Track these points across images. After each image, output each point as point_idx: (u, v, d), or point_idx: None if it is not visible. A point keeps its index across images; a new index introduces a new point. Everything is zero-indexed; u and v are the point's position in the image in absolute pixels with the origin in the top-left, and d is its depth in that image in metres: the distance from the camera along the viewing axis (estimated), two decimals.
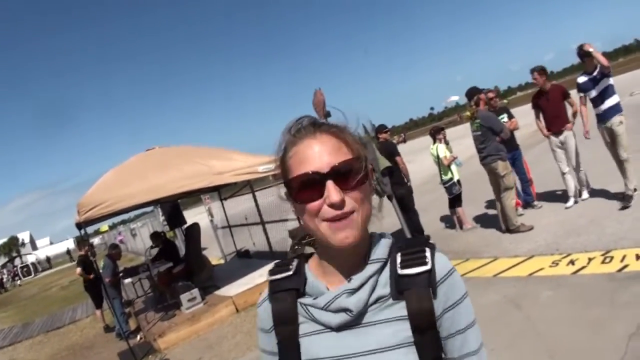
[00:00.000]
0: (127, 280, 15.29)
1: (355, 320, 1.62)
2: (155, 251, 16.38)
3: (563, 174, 11.57)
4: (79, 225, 11.61)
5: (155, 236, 16.56)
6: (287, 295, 1.77)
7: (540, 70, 11.47)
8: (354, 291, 1.61)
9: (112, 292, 13.35)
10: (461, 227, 12.92)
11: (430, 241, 1.73)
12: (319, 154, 1.56)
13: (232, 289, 13.20)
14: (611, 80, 10.37)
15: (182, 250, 17.61)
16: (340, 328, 1.64)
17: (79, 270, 15.34)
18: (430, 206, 16.60)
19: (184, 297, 12.90)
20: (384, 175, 10.78)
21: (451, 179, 12.78)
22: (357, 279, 1.62)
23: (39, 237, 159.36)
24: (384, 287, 1.63)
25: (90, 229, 12.62)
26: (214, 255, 21.65)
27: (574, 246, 9.00)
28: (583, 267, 7.92)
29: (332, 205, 1.51)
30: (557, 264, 8.44)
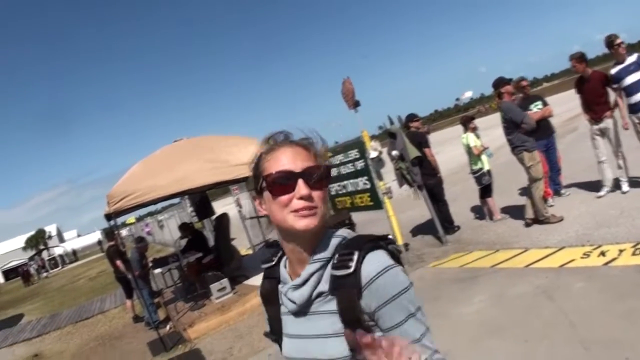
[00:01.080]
0: (157, 271, 15.35)
1: (305, 309, 1.98)
2: (184, 242, 16.43)
3: (600, 162, 11.37)
4: (109, 216, 11.73)
5: (184, 227, 16.60)
6: (269, 282, 2.25)
7: (579, 57, 11.29)
8: (298, 287, 1.97)
9: (140, 284, 13.46)
10: (491, 218, 12.84)
11: (388, 236, 1.94)
12: (293, 159, 1.90)
13: (261, 279, 12.95)
14: None
15: (211, 241, 17.68)
16: (296, 314, 2.03)
17: (119, 262, 15.44)
18: (460, 196, 16.58)
19: (214, 287, 12.97)
20: (414, 165, 10.77)
21: (481, 168, 12.65)
22: (301, 277, 1.96)
23: (66, 230, 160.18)
24: (325, 283, 1.92)
25: (118, 221, 12.69)
26: (243, 246, 21.77)
27: (605, 237, 8.95)
28: (614, 259, 7.87)
29: (302, 197, 1.85)
30: (588, 256, 8.38)
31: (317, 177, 1.89)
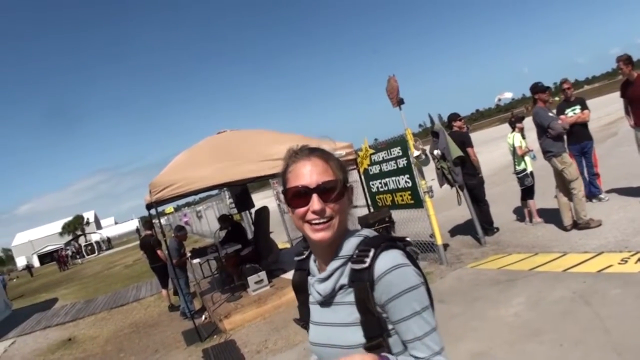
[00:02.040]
0: (196, 261, 15.43)
1: (329, 300, 2.21)
2: (223, 233, 16.50)
3: None
4: (149, 206, 11.81)
5: (224, 219, 16.65)
6: (300, 273, 2.49)
7: (626, 59, 11.08)
8: (323, 280, 2.20)
9: (178, 272, 13.55)
10: (531, 220, 12.77)
11: (406, 238, 2.07)
12: (309, 173, 2.10)
13: None
14: None
15: (249, 233, 17.84)
16: (322, 304, 2.26)
17: (160, 252, 15.66)
18: (499, 198, 16.50)
19: (251, 279, 13.06)
20: (456, 165, 10.78)
21: (524, 169, 12.59)
22: (326, 272, 2.19)
23: (103, 217, 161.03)
24: (345, 277, 2.15)
25: (157, 210, 12.79)
26: (281, 240, 21.85)
27: None
28: None
29: (315, 212, 2.06)
30: (626, 262, 8.35)
31: (331, 191, 2.07)
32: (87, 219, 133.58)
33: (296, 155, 2.20)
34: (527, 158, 12.67)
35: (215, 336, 11.54)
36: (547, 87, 11.44)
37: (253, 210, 17.98)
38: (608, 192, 12.81)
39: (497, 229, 12.90)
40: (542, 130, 10.91)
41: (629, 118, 11.48)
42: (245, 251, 14.89)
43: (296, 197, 2.10)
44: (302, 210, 2.09)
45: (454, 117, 13.08)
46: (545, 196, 13.61)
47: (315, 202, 2.04)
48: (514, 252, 10.83)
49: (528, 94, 11.50)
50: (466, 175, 11.72)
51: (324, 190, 2.06)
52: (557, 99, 12.90)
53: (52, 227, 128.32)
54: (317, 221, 2.07)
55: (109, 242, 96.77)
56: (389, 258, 2.05)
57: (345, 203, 2.17)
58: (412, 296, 1.99)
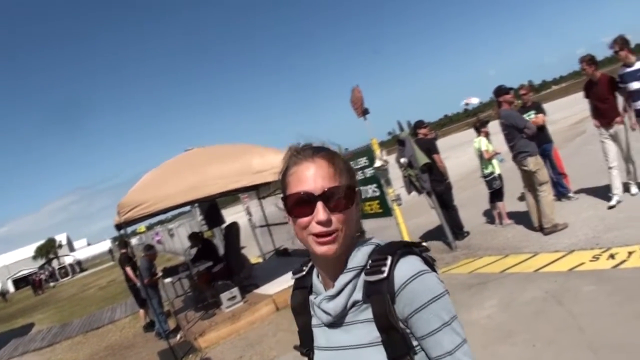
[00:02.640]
0: (167, 280, 15.36)
1: (340, 320, 1.92)
2: (194, 251, 16.45)
3: (610, 168, 11.03)
4: (119, 226, 11.77)
5: (194, 237, 16.59)
6: (300, 292, 2.19)
7: (589, 60, 11.08)
8: (333, 297, 1.91)
9: (150, 292, 13.48)
10: (501, 223, 12.86)
11: (422, 243, 1.91)
12: (314, 177, 1.83)
13: (271, 288, 13.26)
14: None
15: (221, 250, 17.62)
16: (330, 325, 1.97)
17: (129, 270, 15.46)
18: (469, 202, 16.56)
19: (224, 296, 12.95)
20: (423, 172, 10.79)
21: (492, 172, 12.70)
22: (335, 287, 1.90)
23: (76, 239, 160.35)
24: (359, 292, 1.87)
25: (128, 230, 12.73)
26: (253, 254, 21.68)
27: (614, 240, 8.94)
28: (623, 261, 7.87)
29: (320, 223, 1.79)
30: (597, 259, 8.39)
31: (338, 199, 1.81)
32: (60, 241, 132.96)
33: (298, 155, 1.92)
34: (494, 161, 12.80)
35: (190, 355, 11.51)
36: (510, 89, 11.60)
37: (224, 226, 17.82)
38: (577, 190, 12.88)
39: (468, 232, 12.95)
40: (517, 131, 10.91)
41: (593, 119, 11.47)
42: (216, 268, 14.83)
43: (298, 205, 1.84)
44: (304, 220, 1.82)
45: (419, 124, 13.14)
46: (514, 198, 13.70)
47: (321, 212, 1.78)
48: (484, 255, 10.88)
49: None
50: (434, 182, 11.73)
51: (330, 198, 1.80)
52: (519, 102, 12.96)
53: (25, 251, 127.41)
54: (322, 233, 1.80)
55: (79, 265, 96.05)
56: (409, 265, 1.81)
57: (354, 211, 1.90)
58: (439, 306, 1.76)
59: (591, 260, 8.43)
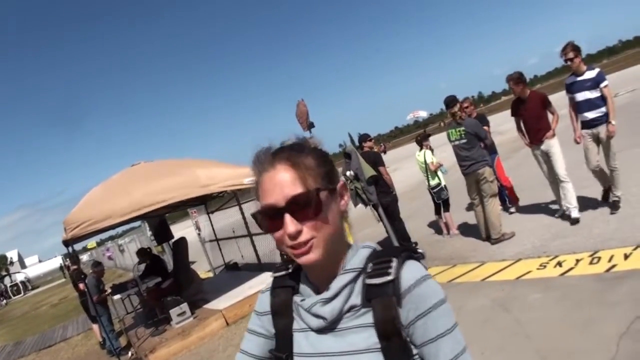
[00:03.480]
0: (116, 297, 15.23)
1: (332, 325, 1.74)
2: (143, 267, 16.36)
3: (550, 182, 11.03)
4: (67, 243, 11.57)
5: (142, 252, 16.41)
6: (283, 291, 1.96)
7: (517, 79, 11.01)
8: (328, 300, 1.73)
9: (99, 309, 13.39)
10: (448, 233, 12.97)
11: (418, 248, 1.83)
12: (277, 187, 1.67)
13: (221, 302, 13.20)
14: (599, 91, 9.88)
15: (170, 265, 17.55)
16: (319, 330, 1.78)
17: (82, 285, 15.31)
18: (416, 213, 16.68)
19: (174, 312, 12.88)
20: (369, 184, 10.82)
21: (439, 184, 12.85)
22: (331, 290, 1.73)
23: (27, 255, 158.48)
24: (357, 296, 1.72)
25: (78, 246, 12.61)
26: (203, 269, 21.70)
27: (562, 248, 9.05)
28: (571, 269, 7.97)
29: (290, 236, 1.64)
30: (544, 267, 8.48)
31: (306, 207, 1.65)
32: (11, 258, 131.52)
33: (260, 163, 1.75)
34: (439, 173, 12.95)
35: None
36: (461, 99, 12.01)
37: (172, 242, 17.74)
38: (523, 199, 13.12)
39: (416, 243, 12.80)
40: (478, 140, 11.04)
41: (523, 137, 11.39)
42: (165, 283, 14.76)
43: (268, 219, 1.70)
44: (278, 234, 1.68)
45: (364, 138, 13.06)
46: (460, 209, 13.76)
47: (289, 225, 1.63)
48: (432, 266, 10.83)
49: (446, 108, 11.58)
50: (380, 194, 11.70)
51: (296, 207, 1.64)
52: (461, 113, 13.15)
53: None
54: (295, 245, 1.66)
55: (28, 283, 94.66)
56: (414, 269, 1.71)
57: (329, 213, 1.71)
58: (443, 311, 1.66)
59: (538, 269, 8.52)
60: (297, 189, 1.65)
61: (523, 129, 11.27)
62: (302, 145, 1.81)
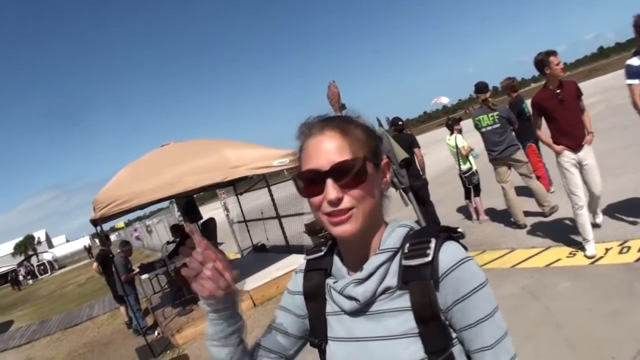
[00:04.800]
0: (144, 276, 15.27)
1: (365, 308, 1.72)
2: (171, 247, 16.36)
3: (577, 206, 8.14)
4: (95, 222, 11.63)
5: (176, 228, 16.46)
6: (316, 274, 1.94)
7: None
8: (362, 281, 1.71)
9: (127, 289, 13.46)
10: (478, 218, 12.91)
11: (458, 228, 1.76)
12: (323, 152, 1.66)
13: (249, 284, 13.17)
14: None
15: None
16: (353, 313, 1.77)
17: (95, 265, 15.35)
18: (446, 198, 16.61)
19: None
20: (401, 167, 10.80)
21: (470, 168, 12.78)
22: (365, 270, 1.71)
23: (54, 235, 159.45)
24: (392, 277, 1.69)
25: (106, 226, 12.64)
26: (231, 250, 21.67)
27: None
28: (600, 258, 7.91)
29: (330, 202, 1.63)
30: (574, 255, 8.41)
31: (350, 174, 1.63)
32: (38, 238, 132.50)
33: (309, 130, 1.77)
34: (470, 157, 12.88)
35: (168, 351, 11.42)
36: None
37: (200, 223, 17.81)
38: (556, 187, 12.79)
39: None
40: (510, 125, 11.12)
41: (552, 144, 8.45)
42: None
43: (308, 184, 1.69)
44: (316, 200, 1.68)
45: (395, 121, 12.96)
46: (490, 195, 13.66)
47: (330, 190, 1.62)
48: None
49: (473, 94, 11.51)
50: (411, 177, 11.62)
51: (340, 173, 1.63)
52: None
53: (3, 248, 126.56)
54: (334, 212, 1.65)
55: (55, 263, 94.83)
56: (453, 250, 1.65)
57: (372, 186, 1.70)
58: (483, 295, 1.61)
59: (568, 257, 8.46)
60: (344, 156, 1.64)
61: (548, 129, 8.57)
62: (351, 118, 1.80)
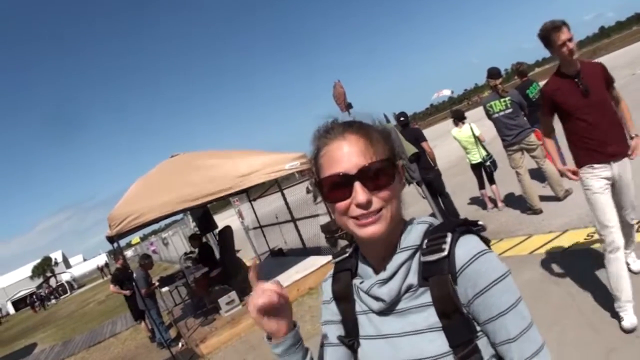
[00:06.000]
0: (165, 289, 15.31)
1: (392, 307, 1.75)
2: (191, 256, 16.40)
3: (612, 247, 5.66)
4: (111, 239, 11.67)
5: (194, 237, 16.57)
6: (343, 275, 1.96)
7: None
8: (386, 281, 1.73)
9: (148, 303, 13.42)
10: (496, 206, 12.90)
11: (478, 220, 1.76)
12: (347, 156, 1.66)
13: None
14: None
15: (216, 254, 17.57)
16: (381, 312, 1.78)
17: (112, 287, 15.39)
18: (459, 189, 16.53)
19: (222, 301, 12.94)
20: (411, 162, 10.81)
21: (489, 155, 12.72)
22: (388, 270, 1.72)
23: (71, 255, 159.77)
24: (414, 275, 1.71)
25: (122, 242, 12.67)
26: (248, 257, 21.59)
27: None
28: None
29: (359, 205, 1.63)
30: (592, 237, 8.31)
31: (377, 176, 1.65)
32: (55, 259, 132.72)
33: (327, 134, 1.76)
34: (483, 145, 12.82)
35: None
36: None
37: (217, 232, 17.79)
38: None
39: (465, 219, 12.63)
40: (521, 110, 11.15)
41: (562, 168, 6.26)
42: (214, 272, 14.82)
43: (334, 188, 1.68)
44: (343, 204, 1.67)
45: (398, 116, 12.98)
46: (501, 183, 13.61)
47: (360, 193, 1.62)
48: None
49: (480, 82, 11.53)
50: (422, 170, 11.58)
51: (368, 176, 1.63)
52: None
53: (21, 271, 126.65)
54: (364, 215, 1.65)
55: (76, 282, 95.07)
56: (470, 244, 1.66)
57: (397, 186, 1.73)
58: (505, 287, 1.60)
59: (586, 239, 8.41)
60: (370, 158, 1.65)
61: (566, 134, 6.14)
62: (369, 124, 1.79)
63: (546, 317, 6.37)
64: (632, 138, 5.78)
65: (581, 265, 7.50)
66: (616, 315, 5.64)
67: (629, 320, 5.53)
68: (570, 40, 5.53)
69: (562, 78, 5.86)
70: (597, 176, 5.75)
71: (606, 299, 6.12)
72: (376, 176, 1.64)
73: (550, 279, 7.53)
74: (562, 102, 5.84)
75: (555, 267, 7.82)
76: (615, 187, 5.85)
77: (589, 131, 5.72)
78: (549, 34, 5.64)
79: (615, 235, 5.67)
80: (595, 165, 5.75)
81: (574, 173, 5.98)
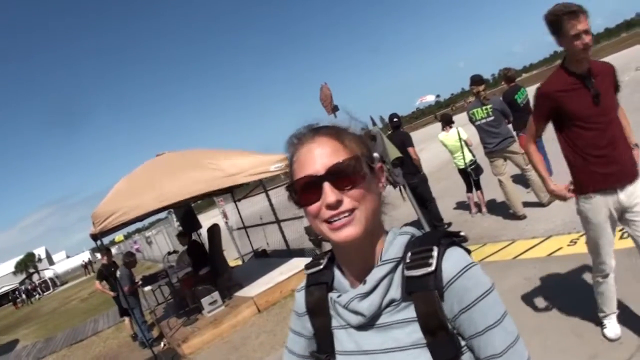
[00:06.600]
0: (147, 288, 15.26)
1: (372, 321, 1.67)
2: (172, 257, 16.37)
3: (603, 275, 5.36)
4: (95, 237, 11.60)
5: (182, 234, 16.36)
6: (317, 289, 1.86)
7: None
8: (366, 295, 1.65)
9: (131, 301, 13.39)
10: (480, 211, 12.88)
11: (460, 231, 1.73)
12: (316, 157, 1.61)
13: (252, 290, 13.21)
14: None
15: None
16: (360, 327, 1.70)
17: (97, 284, 15.33)
18: (444, 193, 16.53)
19: (205, 301, 12.87)
20: (395, 166, 10.81)
21: (474, 160, 12.72)
22: (368, 283, 1.65)
23: (55, 252, 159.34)
24: (396, 289, 1.64)
25: (105, 240, 12.63)
26: (231, 257, 21.57)
27: None
28: None
29: (329, 206, 1.57)
30: (575, 243, 8.38)
31: (347, 173, 1.59)
32: (39, 255, 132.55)
33: (298, 139, 1.72)
34: (466, 151, 12.83)
35: None
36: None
37: (201, 231, 17.84)
38: (555, 173, 12.80)
39: (449, 224, 12.85)
40: (505, 117, 11.15)
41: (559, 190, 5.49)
42: (203, 270, 14.71)
43: (304, 192, 1.62)
44: (314, 207, 1.60)
45: (391, 117, 13.00)
46: (486, 187, 13.62)
47: (329, 194, 1.56)
48: None
49: (467, 88, 11.58)
50: (407, 175, 11.60)
51: (337, 175, 1.58)
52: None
53: (4, 267, 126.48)
54: (335, 217, 1.58)
55: (57, 279, 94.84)
56: (457, 257, 1.60)
57: (371, 185, 1.67)
58: (490, 302, 1.57)
59: (569, 245, 8.44)
60: (339, 157, 1.60)
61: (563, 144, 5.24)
62: (341, 126, 1.75)
63: (529, 323, 6.39)
64: (632, 149, 4.96)
65: (564, 271, 7.53)
66: (599, 322, 5.64)
67: (612, 330, 5.38)
68: (586, 32, 4.49)
69: (570, 77, 4.80)
70: (602, 202, 4.92)
71: (589, 305, 6.07)
72: (346, 174, 1.59)
73: (533, 284, 7.53)
74: (568, 107, 4.80)
75: (539, 273, 7.82)
76: (626, 215, 4.93)
77: (596, 145, 4.80)
78: (560, 20, 4.59)
79: (609, 264, 5.20)
80: (600, 191, 4.90)
81: (569, 191, 5.26)
